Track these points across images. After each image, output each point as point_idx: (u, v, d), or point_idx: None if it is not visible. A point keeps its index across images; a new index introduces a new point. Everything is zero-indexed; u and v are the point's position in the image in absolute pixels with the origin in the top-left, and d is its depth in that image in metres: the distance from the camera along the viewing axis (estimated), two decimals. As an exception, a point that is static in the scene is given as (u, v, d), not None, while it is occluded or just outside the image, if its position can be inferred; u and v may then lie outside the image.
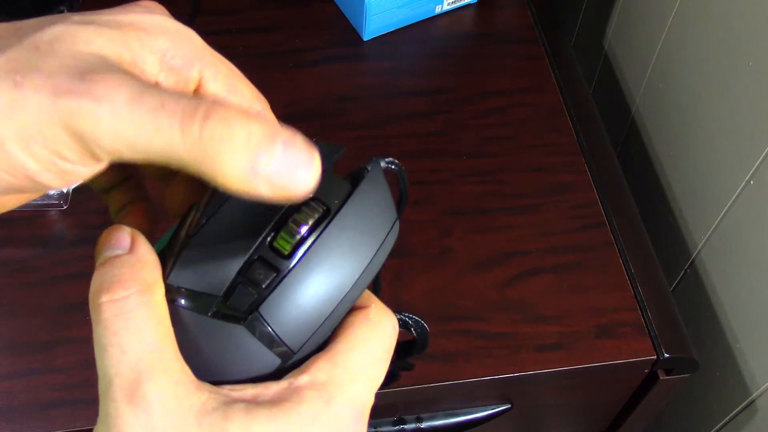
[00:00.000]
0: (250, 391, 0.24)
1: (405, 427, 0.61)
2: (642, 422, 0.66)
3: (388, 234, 0.27)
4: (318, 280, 0.25)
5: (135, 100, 0.21)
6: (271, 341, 0.24)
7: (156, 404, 0.22)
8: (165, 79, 0.25)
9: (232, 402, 0.23)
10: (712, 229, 0.65)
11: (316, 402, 0.24)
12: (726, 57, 0.60)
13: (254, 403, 0.23)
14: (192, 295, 0.25)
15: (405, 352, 0.30)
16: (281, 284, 0.24)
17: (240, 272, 0.25)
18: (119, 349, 0.23)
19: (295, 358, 0.25)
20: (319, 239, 0.25)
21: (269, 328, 0.24)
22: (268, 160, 0.21)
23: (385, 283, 0.57)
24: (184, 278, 0.25)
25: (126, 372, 0.23)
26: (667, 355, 0.55)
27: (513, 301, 0.58)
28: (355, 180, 0.27)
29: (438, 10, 0.77)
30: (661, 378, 0.57)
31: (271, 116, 0.28)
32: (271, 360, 0.25)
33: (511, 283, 0.59)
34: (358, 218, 0.26)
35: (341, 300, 0.25)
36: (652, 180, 0.75)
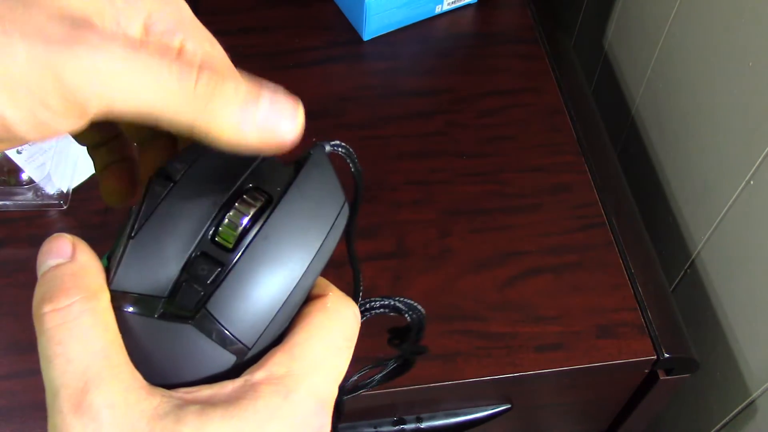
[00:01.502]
0: (205, 392, 0.23)
1: (405, 427, 0.61)
2: (642, 422, 0.66)
3: (336, 218, 0.26)
4: (265, 271, 0.24)
5: (133, 50, 0.21)
6: (223, 339, 0.24)
7: (105, 413, 0.22)
8: (147, 44, 0.24)
9: (186, 404, 0.23)
10: (712, 229, 0.65)
11: (273, 397, 0.23)
12: (726, 57, 0.60)
13: (209, 404, 0.23)
14: (137, 298, 0.24)
15: (400, 336, 0.30)
16: (227, 278, 0.24)
17: (183, 270, 0.24)
18: (64, 359, 0.22)
19: (251, 354, 0.24)
20: (262, 228, 0.24)
21: (219, 325, 0.23)
22: (256, 110, 0.23)
23: (385, 283, 0.57)
24: (128, 282, 0.24)
25: (72, 382, 0.22)
26: (667, 355, 0.55)
27: (513, 301, 0.58)
28: (298, 166, 0.26)
29: (438, 10, 0.77)
30: (661, 378, 0.57)
31: None
32: (225, 358, 0.24)
33: (511, 283, 0.58)
34: (303, 203, 0.25)
35: (293, 289, 0.24)
36: (652, 180, 0.75)
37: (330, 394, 0.25)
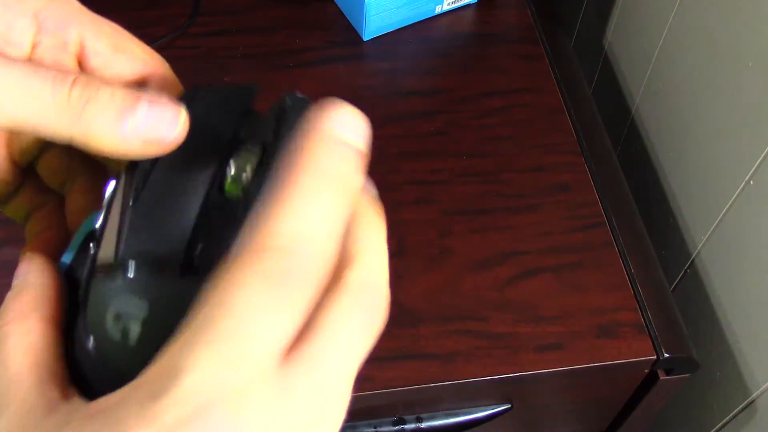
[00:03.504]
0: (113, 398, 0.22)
1: (405, 427, 0.61)
2: (642, 422, 0.66)
3: None
4: None
5: (6, 66, 0.22)
6: None
7: None
8: (42, 42, 0.25)
9: (73, 418, 0.21)
10: (712, 229, 0.65)
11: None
12: (726, 57, 0.60)
13: (102, 412, 0.21)
14: (154, 260, 0.23)
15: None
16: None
17: (197, 226, 0.24)
18: None
19: None
20: (267, 176, 0.24)
21: None
22: (133, 117, 0.23)
23: (385, 283, 0.57)
24: (139, 246, 0.23)
25: None
26: (667, 355, 0.55)
27: (513, 301, 0.58)
28: (278, 115, 0.26)
29: (438, 10, 0.77)
30: (661, 378, 0.57)
31: (168, 72, 0.28)
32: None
33: (511, 283, 0.59)
34: None
35: None
36: (652, 180, 0.75)
37: None
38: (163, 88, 0.27)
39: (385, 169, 0.64)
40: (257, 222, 0.20)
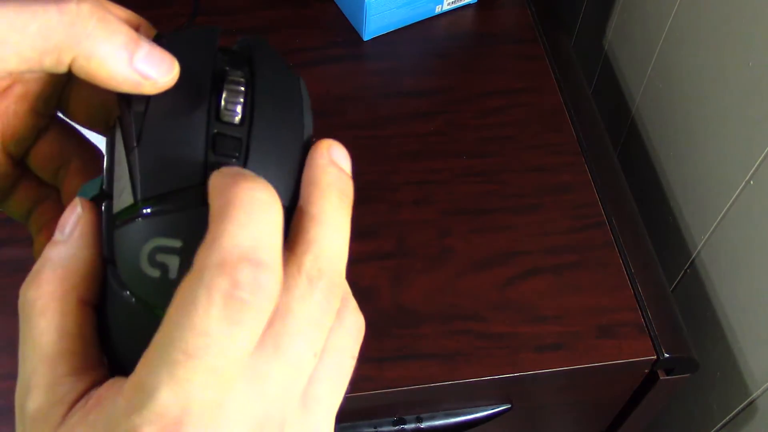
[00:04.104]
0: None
1: (405, 427, 0.61)
2: (642, 422, 0.66)
3: (300, 82, 0.27)
4: (279, 135, 0.25)
5: (4, 1, 0.22)
6: None
7: (29, 421, 0.22)
8: None
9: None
10: (712, 229, 0.65)
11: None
12: (726, 57, 0.60)
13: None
14: (175, 196, 0.23)
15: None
16: (251, 149, 0.24)
17: (207, 153, 0.24)
18: (22, 357, 0.23)
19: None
20: (256, 99, 0.25)
21: None
22: (137, 51, 0.24)
23: (385, 283, 0.57)
24: (155, 186, 0.23)
25: (21, 385, 0.23)
26: (667, 355, 0.55)
27: (513, 301, 0.58)
28: (243, 50, 0.27)
29: (438, 10, 0.77)
30: (661, 378, 0.57)
31: (151, 31, 0.28)
32: None
33: (511, 283, 0.59)
34: (273, 68, 0.26)
35: (305, 139, 0.25)
36: (652, 180, 0.75)
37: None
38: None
39: (384, 169, 0.64)
40: (215, 235, 0.21)
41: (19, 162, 0.29)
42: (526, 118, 0.69)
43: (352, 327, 0.25)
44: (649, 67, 0.73)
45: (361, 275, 0.57)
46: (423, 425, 0.61)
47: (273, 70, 0.26)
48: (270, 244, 0.21)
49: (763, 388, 0.60)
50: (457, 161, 0.66)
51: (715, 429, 0.68)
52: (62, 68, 0.23)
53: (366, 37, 0.74)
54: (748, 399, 0.62)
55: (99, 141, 0.30)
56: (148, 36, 0.27)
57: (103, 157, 0.26)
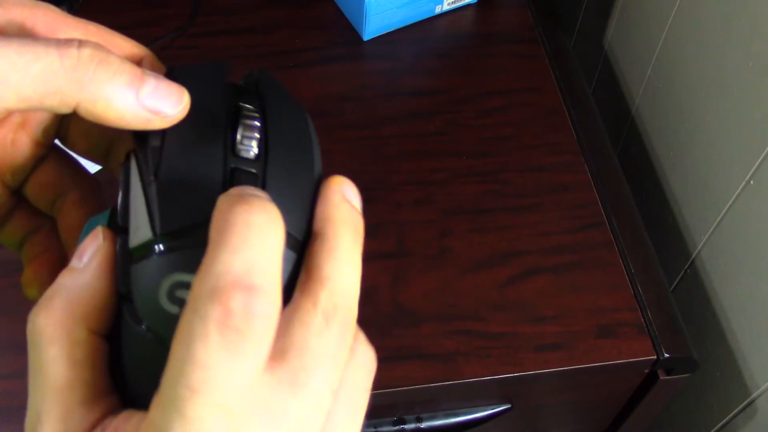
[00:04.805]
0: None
1: (405, 427, 0.61)
2: (642, 422, 0.66)
3: (306, 115, 0.27)
4: (293, 165, 0.25)
5: (6, 40, 0.22)
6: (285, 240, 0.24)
7: None
8: None
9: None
10: (712, 229, 0.65)
11: None
12: (726, 57, 0.60)
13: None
14: (190, 231, 0.23)
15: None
16: (268, 184, 0.24)
17: (224, 190, 0.23)
18: (32, 385, 0.22)
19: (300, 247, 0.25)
20: (270, 134, 0.25)
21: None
22: (142, 88, 0.23)
23: (385, 283, 0.57)
24: (173, 221, 0.23)
25: (31, 414, 0.22)
26: (667, 355, 0.55)
27: (513, 301, 0.58)
28: (251, 85, 0.27)
29: (438, 10, 0.77)
30: (661, 378, 0.57)
31: (155, 62, 0.28)
32: (288, 258, 0.24)
33: (511, 283, 0.59)
34: (283, 103, 0.26)
35: (315, 180, 0.25)
36: (652, 180, 0.75)
37: None
38: None
39: (385, 169, 0.64)
40: (211, 263, 0.21)
41: (15, 191, 0.29)
42: (526, 118, 0.69)
43: (365, 361, 0.24)
44: (649, 67, 0.73)
45: (361, 275, 0.57)
46: (423, 425, 0.61)
47: (283, 105, 0.26)
48: (264, 267, 0.20)
49: (763, 388, 0.60)
50: (457, 161, 0.66)
51: (715, 429, 0.68)
52: (66, 111, 0.23)
53: (366, 37, 0.74)
54: (748, 399, 0.62)
55: (94, 169, 0.30)
56: (152, 67, 0.27)
57: (101, 188, 0.25)
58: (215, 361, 0.19)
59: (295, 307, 0.22)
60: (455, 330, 0.56)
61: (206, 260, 0.20)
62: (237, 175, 0.24)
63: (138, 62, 0.27)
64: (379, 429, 0.61)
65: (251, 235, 0.20)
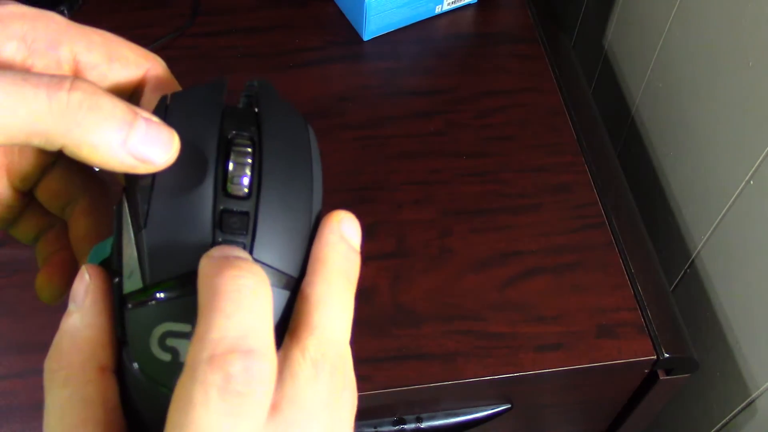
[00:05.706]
0: None
1: (405, 427, 0.61)
2: (642, 422, 0.66)
3: (310, 135, 0.27)
4: (287, 205, 0.24)
5: None
6: (277, 279, 0.24)
7: None
8: (34, 64, 0.24)
9: None
10: (712, 229, 0.65)
11: None
12: (726, 57, 0.60)
13: None
14: (183, 281, 0.23)
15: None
16: (259, 224, 0.24)
17: (214, 232, 0.24)
18: (47, 425, 0.22)
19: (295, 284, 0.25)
20: (264, 166, 0.24)
21: (271, 269, 0.24)
22: (132, 133, 0.23)
23: (385, 283, 0.57)
24: (163, 270, 0.23)
25: None
26: (667, 355, 0.55)
27: (513, 301, 0.58)
28: (250, 104, 0.27)
29: (438, 10, 0.77)
30: (661, 378, 0.57)
31: (164, 71, 0.27)
32: (281, 296, 0.24)
33: (511, 283, 0.59)
34: (283, 129, 0.26)
35: (312, 214, 0.25)
36: (652, 180, 0.75)
37: None
38: (159, 87, 0.27)
39: (385, 169, 0.64)
40: (207, 328, 0.21)
41: (27, 192, 0.29)
42: (526, 118, 0.69)
43: (350, 399, 0.25)
44: (649, 67, 0.73)
45: (361, 275, 0.57)
46: (423, 425, 0.61)
47: (283, 127, 0.26)
48: (259, 331, 0.21)
49: (763, 388, 0.60)
50: (457, 161, 0.66)
51: (715, 429, 0.68)
52: (52, 149, 0.23)
53: (366, 37, 0.74)
54: (748, 399, 0.62)
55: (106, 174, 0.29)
56: (157, 78, 0.27)
57: (111, 193, 0.25)
58: (217, 426, 0.19)
59: (285, 355, 0.23)
60: (455, 330, 0.56)
61: (200, 327, 0.21)
62: (226, 218, 0.24)
63: (143, 74, 0.27)
64: (379, 429, 0.61)
65: (243, 300, 0.21)
